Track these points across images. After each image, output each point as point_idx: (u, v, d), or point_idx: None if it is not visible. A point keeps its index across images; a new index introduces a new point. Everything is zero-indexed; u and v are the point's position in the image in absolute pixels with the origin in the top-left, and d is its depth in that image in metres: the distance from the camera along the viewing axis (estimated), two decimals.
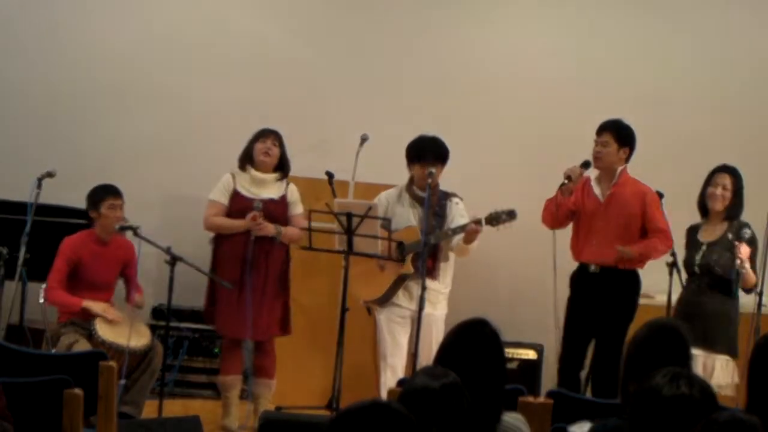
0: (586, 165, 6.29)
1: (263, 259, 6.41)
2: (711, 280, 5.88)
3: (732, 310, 5.89)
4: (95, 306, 6.23)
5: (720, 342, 5.72)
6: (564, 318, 6.44)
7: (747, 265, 5.74)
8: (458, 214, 6.33)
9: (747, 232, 5.77)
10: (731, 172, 5.99)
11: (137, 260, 6.46)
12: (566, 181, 6.23)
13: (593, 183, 6.43)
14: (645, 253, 6.25)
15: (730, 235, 5.86)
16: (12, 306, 6.67)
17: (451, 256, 6.44)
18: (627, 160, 6.36)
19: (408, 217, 6.34)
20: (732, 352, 5.84)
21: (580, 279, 6.41)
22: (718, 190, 5.96)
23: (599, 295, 6.27)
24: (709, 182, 6.05)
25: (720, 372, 5.77)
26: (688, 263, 6.02)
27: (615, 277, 6.27)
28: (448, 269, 6.45)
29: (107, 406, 4.48)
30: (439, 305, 6.38)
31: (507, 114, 7.60)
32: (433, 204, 6.31)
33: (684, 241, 6.18)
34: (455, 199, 6.42)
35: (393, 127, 7.40)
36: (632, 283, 6.32)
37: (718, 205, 5.96)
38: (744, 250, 5.70)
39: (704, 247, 5.94)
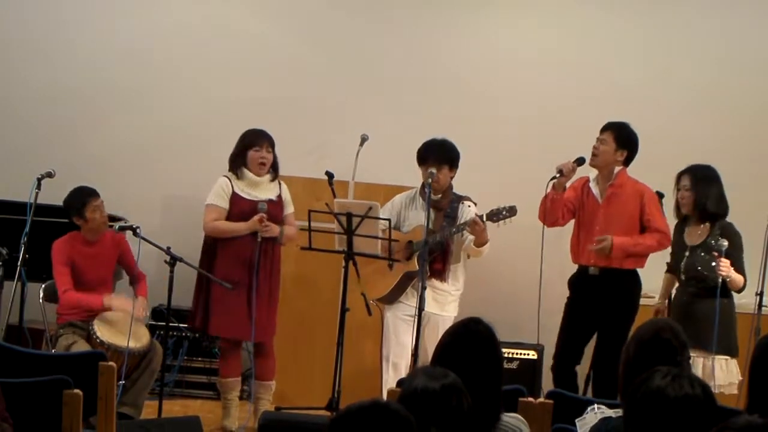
0: (579, 161, 6.30)
1: (266, 260, 6.39)
2: (699, 284, 5.86)
3: (726, 310, 5.87)
4: (116, 301, 6.24)
5: (716, 343, 5.71)
6: (562, 318, 6.44)
7: (732, 274, 5.73)
8: (470, 217, 6.30)
9: (724, 244, 5.73)
10: (689, 171, 5.97)
11: (130, 247, 6.41)
12: (557, 175, 6.23)
13: (592, 184, 6.43)
14: (635, 251, 6.25)
15: (713, 242, 5.83)
16: (11, 306, 6.68)
17: (463, 258, 6.42)
18: (626, 163, 6.35)
19: (421, 221, 6.26)
20: (730, 351, 5.82)
21: (579, 281, 6.41)
22: (680, 194, 5.97)
23: (600, 296, 6.26)
24: (676, 187, 6.05)
25: (720, 373, 5.76)
26: (676, 266, 5.98)
27: (615, 278, 6.28)
28: (458, 271, 6.41)
29: (107, 406, 4.48)
30: (449, 306, 6.35)
31: (506, 114, 7.59)
32: (445, 206, 6.32)
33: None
34: (468, 203, 6.39)
35: (393, 127, 7.41)
36: (633, 283, 6.32)
37: (685, 208, 5.97)
38: (724, 266, 5.69)
39: (688, 252, 5.93)
